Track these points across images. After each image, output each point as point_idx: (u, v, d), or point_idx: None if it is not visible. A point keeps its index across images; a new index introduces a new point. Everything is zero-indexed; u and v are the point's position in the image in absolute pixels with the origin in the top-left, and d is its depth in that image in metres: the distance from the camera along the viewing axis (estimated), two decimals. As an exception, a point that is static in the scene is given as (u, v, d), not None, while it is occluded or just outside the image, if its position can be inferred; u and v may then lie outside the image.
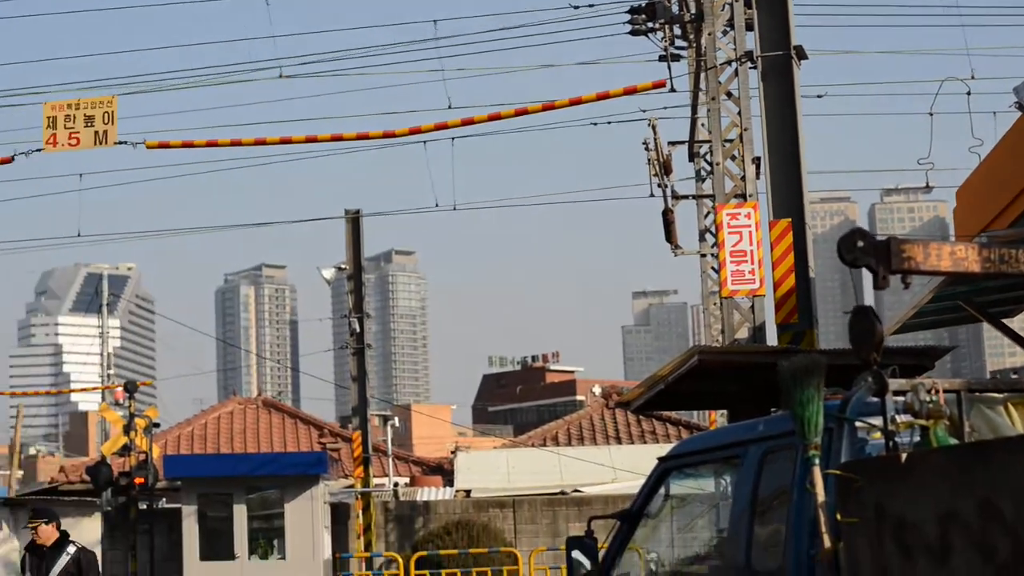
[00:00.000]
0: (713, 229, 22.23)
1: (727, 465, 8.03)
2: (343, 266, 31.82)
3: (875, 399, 6.74)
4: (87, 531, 34.43)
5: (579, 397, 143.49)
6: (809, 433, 6.77)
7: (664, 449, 9.02)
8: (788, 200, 18.36)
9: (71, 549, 14.66)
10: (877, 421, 6.75)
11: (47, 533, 14.58)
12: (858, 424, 7.01)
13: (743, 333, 19.46)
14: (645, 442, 41.23)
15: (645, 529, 8.56)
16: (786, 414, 7.11)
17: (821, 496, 6.67)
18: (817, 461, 6.72)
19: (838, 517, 6.44)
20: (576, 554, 8.45)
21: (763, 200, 19.07)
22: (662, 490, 8.49)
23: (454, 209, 26.97)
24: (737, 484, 7.65)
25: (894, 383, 6.70)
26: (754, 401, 15.16)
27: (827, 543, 6.57)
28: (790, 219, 18.07)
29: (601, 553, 8.51)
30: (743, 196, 19.68)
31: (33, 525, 14.65)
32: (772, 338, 18.48)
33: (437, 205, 27.33)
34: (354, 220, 31.51)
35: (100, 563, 30.87)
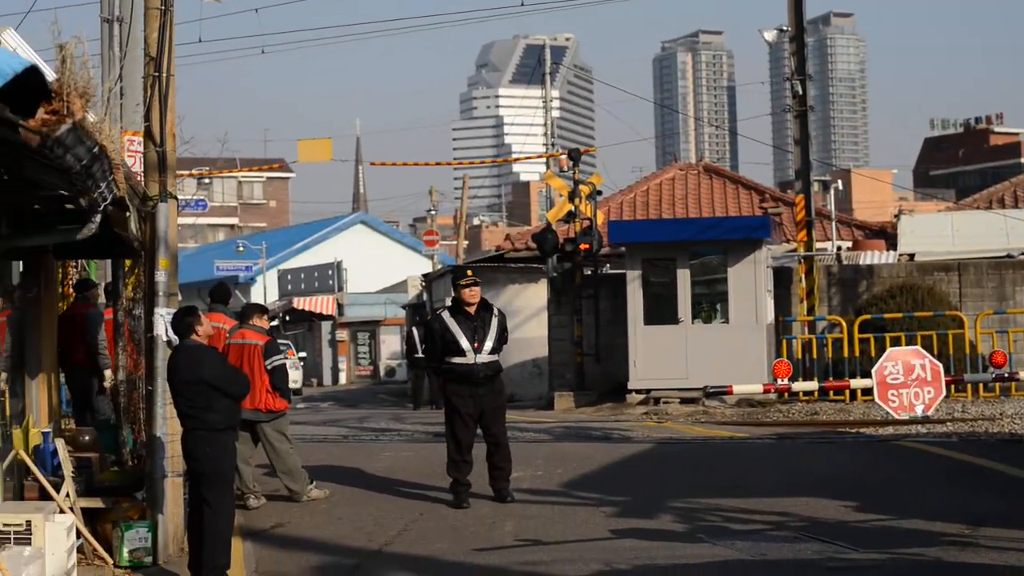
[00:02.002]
0: None
1: None
2: (784, 28, 31.23)
3: None
4: (533, 297, 35.66)
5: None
6: None
7: None
8: None
9: (495, 311, 15.10)
10: None
11: (478, 294, 14.99)
12: None
13: None
14: (1100, 203, 39.39)
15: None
16: None
17: None
18: None
19: None
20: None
21: None
22: None
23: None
24: None
25: None
26: None
27: None
28: None
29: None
30: None
31: (466, 283, 15.01)
32: None
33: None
34: (796, -21, 30.78)
35: (547, 328, 32.12)
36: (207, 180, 79.78)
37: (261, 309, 15.77)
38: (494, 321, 14.92)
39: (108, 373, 16.87)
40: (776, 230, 30.42)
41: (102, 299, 19.15)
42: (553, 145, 54.88)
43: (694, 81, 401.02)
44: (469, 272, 15.12)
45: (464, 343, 14.66)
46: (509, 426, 16.35)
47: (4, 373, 11.50)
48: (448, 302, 15.15)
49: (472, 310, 14.83)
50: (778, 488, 15.48)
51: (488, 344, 14.75)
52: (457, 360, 14.76)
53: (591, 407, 29.29)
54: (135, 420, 15.16)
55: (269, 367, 15.05)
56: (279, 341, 16.44)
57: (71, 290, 18.16)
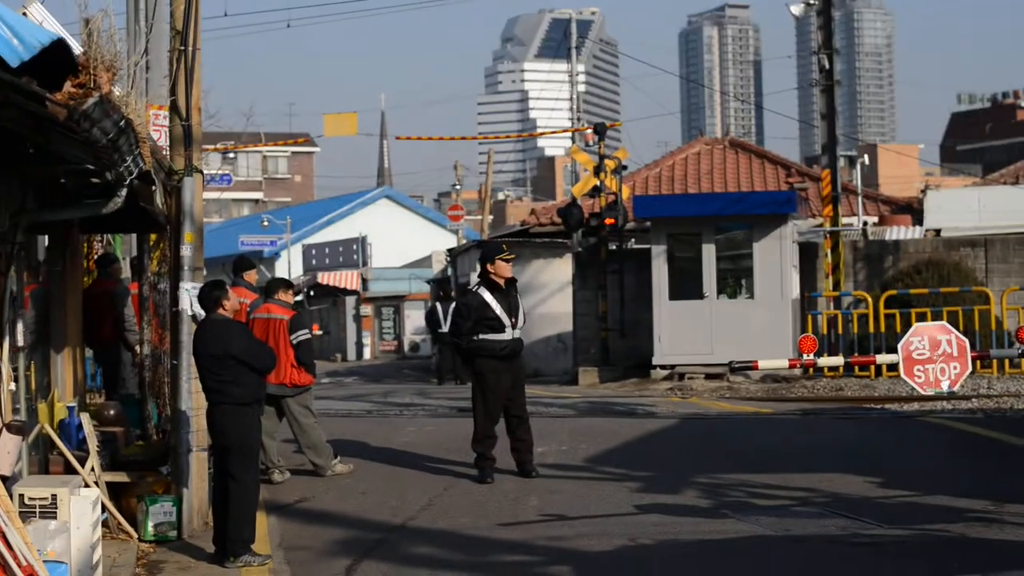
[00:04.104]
0: None
1: None
2: (811, 1, 31.07)
3: None
4: (558, 272, 35.59)
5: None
6: None
7: None
8: None
9: (516, 283, 15.20)
10: None
11: (510, 269, 15.03)
12: None
13: None
14: None
15: None
16: None
17: None
18: None
19: None
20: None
21: None
22: None
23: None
24: None
25: None
26: None
27: None
28: None
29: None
30: None
31: (508, 258, 15.01)
32: None
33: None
34: (821, -47, 30.61)
35: (572, 303, 32.13)
36: (232, 154, 79.84)
37: (286, 284, 15.76)
38: (519, 296, 15.06)
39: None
40: (802, 205, 30.33)
41: (126, 274, 19.17)
42: (578, 119, 54.75)
43: (720, 55, 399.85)
44: (505, 246, 15.21)
45: (505, 319, 14.72)
46: (533, 401, 16.31)
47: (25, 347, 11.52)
48: (475, 277, 15.15)
49: (503, 284, 14.88)
50: (803, 464, 15.46)
51: (520, 319, 14.88)
52: (495, 336, 14.78)
53: (615, 382, 29.28)
54: (160, 394, 15.20)
55: (294, 342, 15.06)
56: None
57: (94, 265, 18.19)
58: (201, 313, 12.03)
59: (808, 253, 30.26)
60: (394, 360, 58.42)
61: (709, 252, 28.04)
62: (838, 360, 20.22)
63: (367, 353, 62.87)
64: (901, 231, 37.26)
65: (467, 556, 11.58)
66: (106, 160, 8.91)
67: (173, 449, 12.77)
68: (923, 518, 12.26)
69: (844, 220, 33.61)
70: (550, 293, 35.55)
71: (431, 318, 36.85)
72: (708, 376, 27.71)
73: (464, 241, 54.68)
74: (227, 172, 50.55)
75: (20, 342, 11.02)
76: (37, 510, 9.75)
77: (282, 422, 15.46)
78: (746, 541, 11.58)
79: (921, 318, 25.40)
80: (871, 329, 27.38)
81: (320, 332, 56.92)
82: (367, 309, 63.96)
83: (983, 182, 46.21)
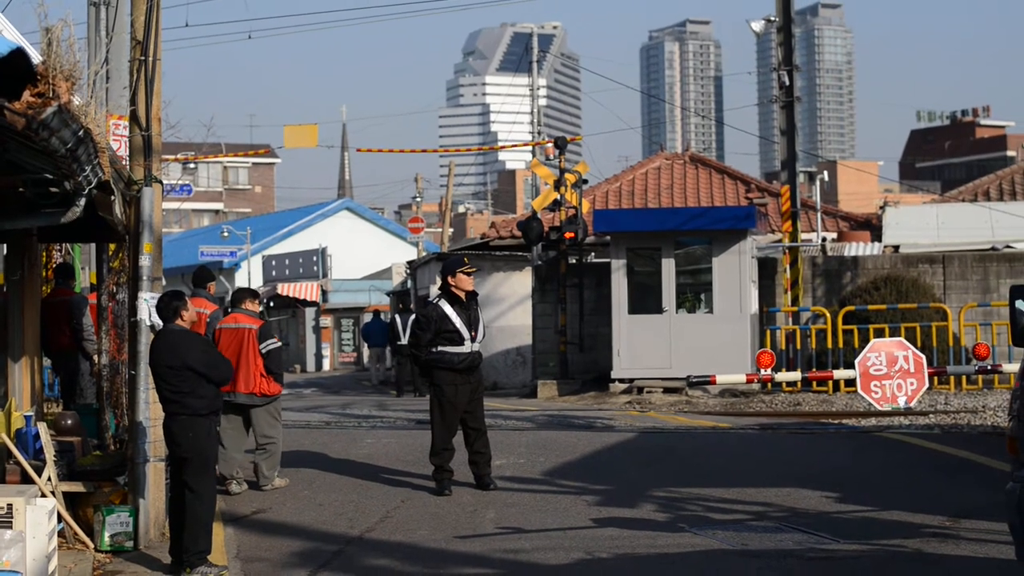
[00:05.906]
0: None
1: None
2: (772, 18, 31.23)
3: None
4: (518, 285, 35.62)
5: (1010, 152, 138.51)
6: None
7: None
8: None
9: (477, 299, 15.23)
10: None
11: (472, 282, 15.06)
12: None
13: None
14: (1085, 197, 39.48)
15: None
16: None
17: None
18: None
19: None
20: (1020, 303, 8.22)
21: None
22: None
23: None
24: None
25: None
26: None
27: None
28: None
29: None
30: None
31: (469, 271, 15.04)
32: None
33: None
34: (782, -29, 30.75)
35: (531, 316, 32.14)
36: (192, 165, 79.55)
37: (252, 294, 15.73)
38: (479, 310, 15.06)
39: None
40: (761, 220, 30.44)
41: (85, 283, 19.10)
42: (539, 133, 54.80)
43: (681, 70, 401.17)
44: (467, 259, 15.21)
45: (464, 332, 14.73)
46: (492, 413, 16.28)
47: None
48: (435, 289, 15.16)
49: (464, 297, 14.89)
50: (760, 478, 15.50)
51: (480, 333, 14.89)
52: (454, 349, 14.79)
53: (574, 396, 29.30)
54: (117, 404, 15.14)
55: (264, 351, 15.05)
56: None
57: (53, 274, 18.14)
58: (159, 323, 12.00)
59: (767, 268, 30.38)
60: (353, 372, 58.34)
61: (668, 267, 28.12)
62: (796, 375, 20.33)
63: (326, 364, 62.80)
64: (860, 247, 37.46)
65: (424, 568, 11.58)
66: (65, 169, 8.89)
67: (130, 459, 12.72)
68: (879, 533, 12.31)
69: (803, 236, 33.78)
70: (509, 306, 35.58)
71: (392, 330, 36.71)
72: (667, 390, 27.78)
73: (424, 254, 54.65)
74: (187, 183, 50.39)
75: (-23, 351, 10.97)
76: (-8, 520, 9.70)
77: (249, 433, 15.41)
78: (703, 555, 11.61)
79: (879, 334, 25.54)
80: (829, 345, 27.50)
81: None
82: (327, 320, 63.88)
83: (942, 199, 46.54)
